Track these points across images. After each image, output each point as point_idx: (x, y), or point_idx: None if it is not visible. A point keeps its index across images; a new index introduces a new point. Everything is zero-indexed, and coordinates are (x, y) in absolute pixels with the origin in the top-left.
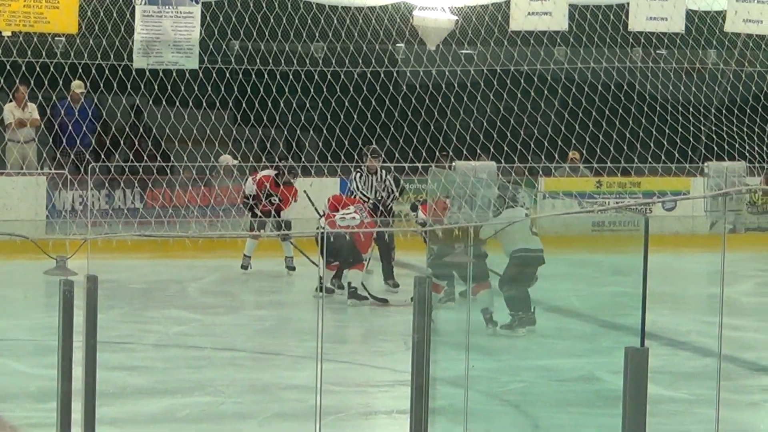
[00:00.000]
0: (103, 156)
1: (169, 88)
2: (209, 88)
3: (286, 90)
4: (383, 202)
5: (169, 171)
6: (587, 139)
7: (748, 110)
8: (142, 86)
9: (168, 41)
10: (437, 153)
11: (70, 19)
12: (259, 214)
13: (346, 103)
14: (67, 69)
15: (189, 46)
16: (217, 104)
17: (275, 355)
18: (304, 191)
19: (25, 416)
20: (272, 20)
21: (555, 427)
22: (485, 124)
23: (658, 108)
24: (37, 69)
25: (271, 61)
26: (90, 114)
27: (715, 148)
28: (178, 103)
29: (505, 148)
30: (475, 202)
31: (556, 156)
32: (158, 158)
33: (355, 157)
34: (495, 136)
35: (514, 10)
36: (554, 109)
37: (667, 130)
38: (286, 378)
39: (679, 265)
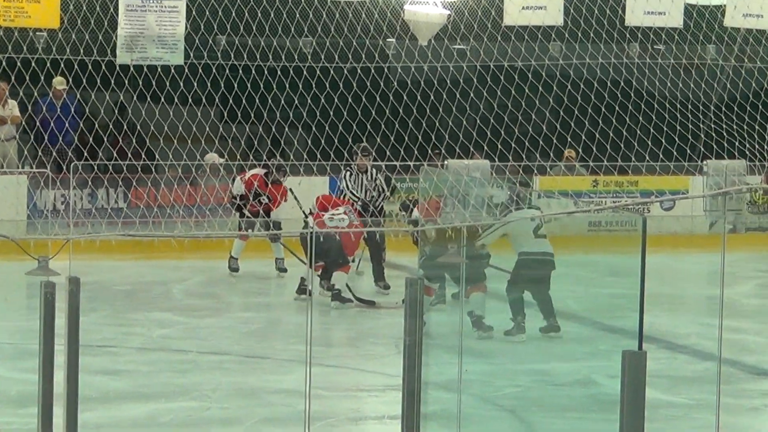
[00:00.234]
0: (86, 154)
1: (153, 84)
2: (195, 84)
3: (274, 86)
4: (374, 201)
5: (153, 169)
6: (583, 137)
7: (748, 107)
8: (126, 82)
9: (152, 36)
10: (429, 151)
11: (51, 13)
12: (247, 214)
13: (336, 100)
14: (48, 65)
15: (174, 42)
16: (203, 101)
17: (262, 358)
18: (290, 189)
19: (5, 422)
20: (259, 14)
21: None
22: (478, 121)
23: (655, 105)
24: (18, 64)
25: (258, 56)
26: (72, 111)
27: (714, 146)
28: (163, 100)
29: (499, 146)
30: (468, 201)
31: (551, 154)
32: (143, 156)
33: (345, 155)
34: (488, 133)
35: (508, 4)
36: (549, 106)
37: (665, 128)
38: (274, 382)
39: (677, 266)
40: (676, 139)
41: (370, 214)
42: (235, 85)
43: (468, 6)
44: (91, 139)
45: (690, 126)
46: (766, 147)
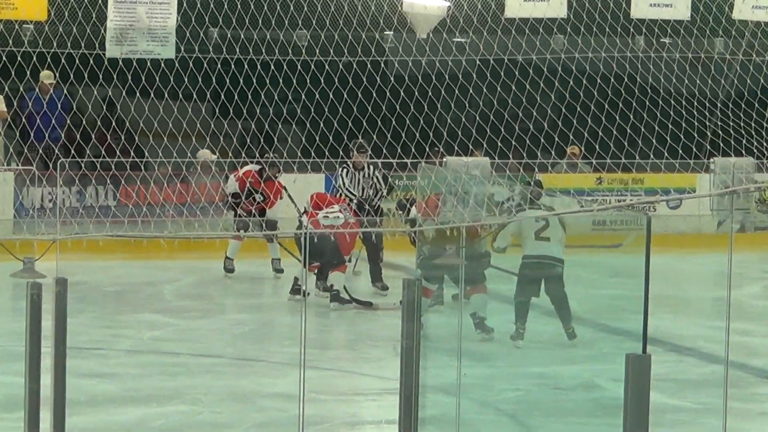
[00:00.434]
0: (73, 151)
1: (143, 78)
2: (186, 79)
3: (267, 81)
4: (370, 200)
5: (143, 167)
6: (585, 134)
7: (756, 103)
8: (115, 77)
9: (143, 29)
10: (427, 148)
11: (39, 5)
12: (241, 213)
13: (331, 95)
14: (35, 58)
15: (165, 34)
16: (194, 96)
17: (256, 361)
18: (284, 188)
19: None
20: (252, 6)
21: None
22: (478, 117)
23: (660, 101)
24: (4, 58)
25: (251, 49)
26: (59, 106)
27: (721, 144)
28: (152, 95)
29: (499, 143)
30: (467, 200)
31: (553, 152)
32: (131, 153)
33: (340, 152)
34: (488, 130)
35: None
36: (551, 102)
37: (669, 125)
38: (268, 386)
39: (684, 267)
40: (681, 136)
41: (366, 213)
42: (227, 80)
43: None
44: (78, 136)
45: (696, 123)
46: None
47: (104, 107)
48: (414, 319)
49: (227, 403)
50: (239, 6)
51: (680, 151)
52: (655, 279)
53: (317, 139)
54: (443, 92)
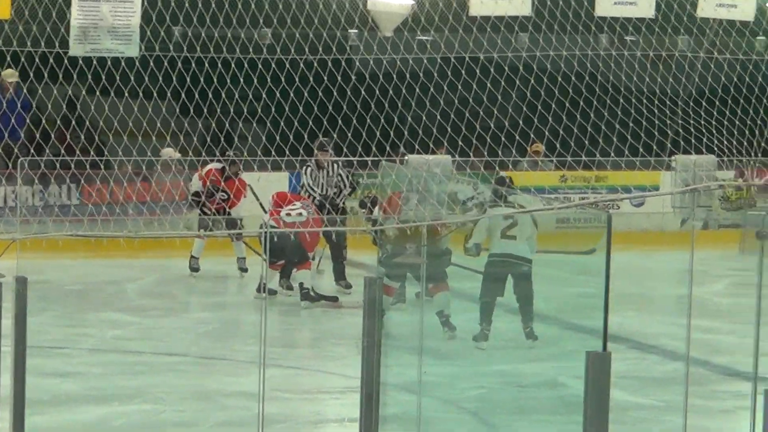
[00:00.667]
0: (32, 150)
1: (103, 77)
2: (146, 78)
3: (229, 79)
4: (330, 199)
5: (104, 165)
6: (547, 132)
7: (718, 102)
8: (75, 75)
9: (106, 27)
10: (388, 148)
11: (2, 4)
12: (207, 211)
13: (292, 94)
14: None
15: (129, 33)
16: (155, 94)
17: (219, 360)
18: (249, 186)
19: None
20: (214, 5)
21: None
22: (440, 115)
23: (621, 100)
24: None
25: (212, 48)
26: (20, 105)
27: (682, 142)
28: (113, 94)
29: (460, 141)
30: (428, 198)
31: (515, 150)
32: (92, 152)
33: (301, 151)
34: (450, 128)
35: None
36: (513, 101)
37: (631, 123)
38: (231, 384)
39: (648, 265)
40: (643, 134)
41: (328, 211)
42: (189, 78)
43: None
44: (39, 135)
45: (656, 121)
46: (735, 143)
47: (65, 106)
48: (375, 317)
49: (190, 401)
50: (200, 4)
51: (641, 150)
52: (619, 277)
53: (278, 137)
54: (405, 91)
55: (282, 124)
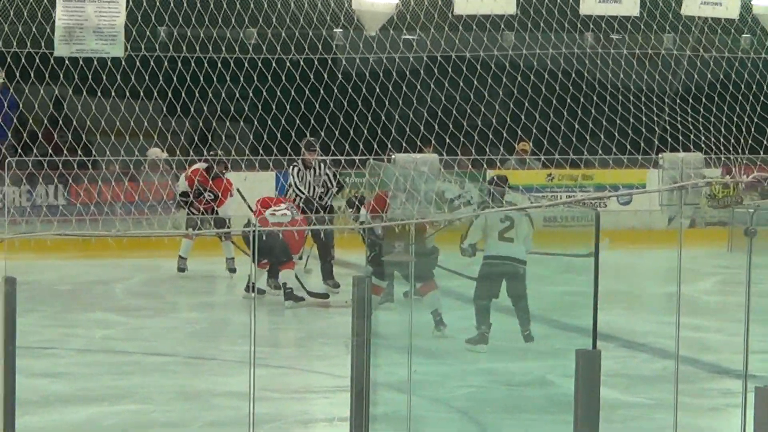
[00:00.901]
0: (20, 150)
1: (90, 77)
2: (133, 77)
3: (215, 79)
4: (319, 198)
5: (91, 165)
6: (534, 130)
7: (704, 99)
8: (61, 75)
9: (92, 27)
10: (375, 146)
11: None
12: (195, 211)
13: (279, 93)
14: None
15: (114, 33)
16: (141, 94)
17: (208, 360)
18: (237, 189)
19: None
20: (199, 5)
21: None
22: (427, 114)
23: (608, 97)
24: None
25: (198, 48)
26: (6, 105)
27: (669, 140)
28: (99, 94)
29: (447, 139)
30: (416, 197)
31: (502, 148)
32: (79, 152)
33: (288, 150)
34: (437, 127)
35: None
36: (500, 99)
37: (618, 121)
38: (220, 384)
39: (636, 263)
40: (630, 132)
41: (315, 210)
42: (175, 78)
43: None
44: (25, 135)
45: (643, 119)
46: (722, 140)
47: (51, 106)
48: (364, 317)
49: (179, 401)
50: (186, 4)
51: (628, 147)
52: (607, 275)
53: (265, 137)
54: (391, 89)
55: (269, 123)
